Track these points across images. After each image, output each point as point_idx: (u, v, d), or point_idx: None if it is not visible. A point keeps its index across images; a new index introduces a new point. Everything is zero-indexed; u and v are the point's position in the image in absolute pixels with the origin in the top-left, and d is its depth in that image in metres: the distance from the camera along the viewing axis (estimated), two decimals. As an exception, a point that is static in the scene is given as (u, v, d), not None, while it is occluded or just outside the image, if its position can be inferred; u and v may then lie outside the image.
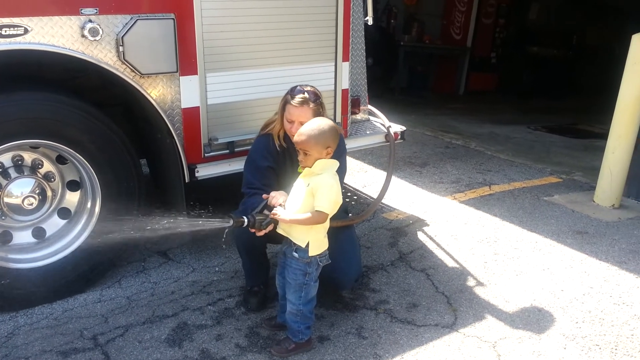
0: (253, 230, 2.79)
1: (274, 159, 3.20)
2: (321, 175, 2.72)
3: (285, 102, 3.08)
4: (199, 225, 2.75)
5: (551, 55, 11.66)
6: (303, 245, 2.77)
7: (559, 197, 5.42)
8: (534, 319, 3.38)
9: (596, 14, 11.10)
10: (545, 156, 6.98)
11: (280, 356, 2.92)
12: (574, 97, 10.93)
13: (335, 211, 2.77)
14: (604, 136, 5.40)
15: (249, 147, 3.39)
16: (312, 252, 2.79)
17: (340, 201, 2.79)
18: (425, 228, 4.61)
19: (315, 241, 2.78)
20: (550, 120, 9.18)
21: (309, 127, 2.74)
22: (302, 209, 2.71)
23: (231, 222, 2.72)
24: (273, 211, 2.76)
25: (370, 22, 4.35)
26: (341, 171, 3.12)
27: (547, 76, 11.39)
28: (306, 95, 3.01)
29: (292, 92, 3.06)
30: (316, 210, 2.67)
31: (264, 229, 2.79)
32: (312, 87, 3.12)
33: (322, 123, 2.76)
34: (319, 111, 3.03)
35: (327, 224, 2.81)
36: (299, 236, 2.77)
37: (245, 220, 2.74)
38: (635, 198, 5.32)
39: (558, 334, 3.24)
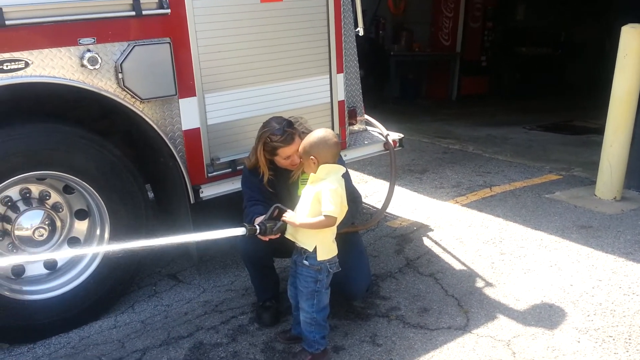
0: (263, 238, 2.84)
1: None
2: (325, 180, 2.78)
3: (272, 148, 3.04)
4: (212, 235, 2.79)
5: (540, 54, 11.74)
6: (310, 249, 2.81)
7: (560, 193, 5.45)
8: (545, 315, 3.40)
9: (584, 10, 11.16)
10: (543, 154, 7.03)
11: (298, 368, 2.95)
12: (566, 95, 11.00)
13: (342, 215, 2.82)
14: (599, 131, 5.42)
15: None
16: (321, 256, 2.82)
17: (347, 206, 2.84)
18: (430, 233, 4.64)
19: (323, 245, 2.82)
20: (545, 118, 9.22)
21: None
22: (310, 215, 2.76)
23: (244, 229, 2.78)
24: (283, 215, 2.82)
25: (361, 33, 4.40)
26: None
27: (537, 76, 11.47)
28: (286, 129, 3.02)
29: (273, 135, 3.01)
30: (324, 215, 2.72)
31: (275, 234, 2.84)
32: (278, 117, 3.14)
33: (313, 134, 2.88)
34: (299, 133, 3.05)
35: (334, 229, 2.85)
36: (306, 240, 2.82)
37: (258, 228, 2.80)
38: (636, 189, 5.35)
39: (571, 328, 3.26)
